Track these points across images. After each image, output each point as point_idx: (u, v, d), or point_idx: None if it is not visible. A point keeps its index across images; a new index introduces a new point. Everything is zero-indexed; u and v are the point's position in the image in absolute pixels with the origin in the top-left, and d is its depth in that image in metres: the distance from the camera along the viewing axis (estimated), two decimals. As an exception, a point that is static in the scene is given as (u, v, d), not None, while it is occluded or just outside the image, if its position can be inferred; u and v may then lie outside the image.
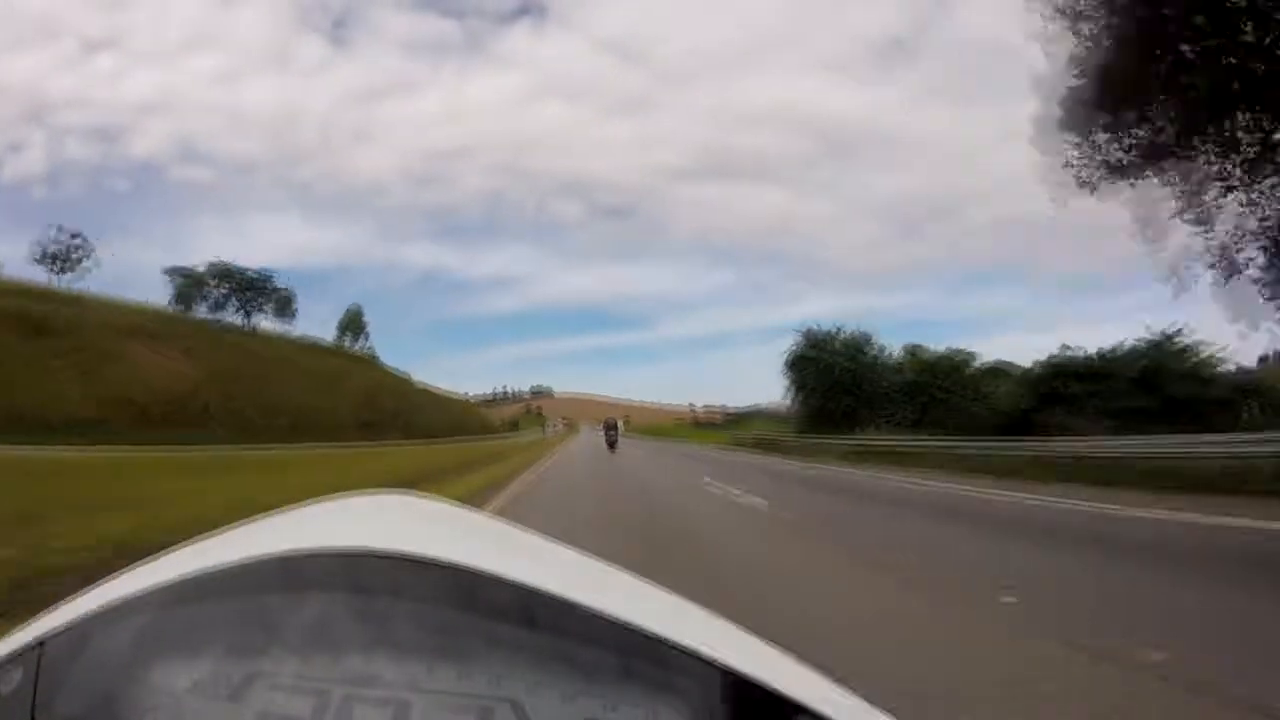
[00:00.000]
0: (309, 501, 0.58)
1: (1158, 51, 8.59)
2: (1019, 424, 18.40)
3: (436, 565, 0.46)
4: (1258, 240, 9.39)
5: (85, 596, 0.51)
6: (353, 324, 70.85)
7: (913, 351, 28.50)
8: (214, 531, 0.56)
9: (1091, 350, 20.24)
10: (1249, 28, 8.04)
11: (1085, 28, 9.40)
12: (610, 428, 33.57)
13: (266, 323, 58.70)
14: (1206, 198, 9.44)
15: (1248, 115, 8.72)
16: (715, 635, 0.46)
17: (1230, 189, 9.24)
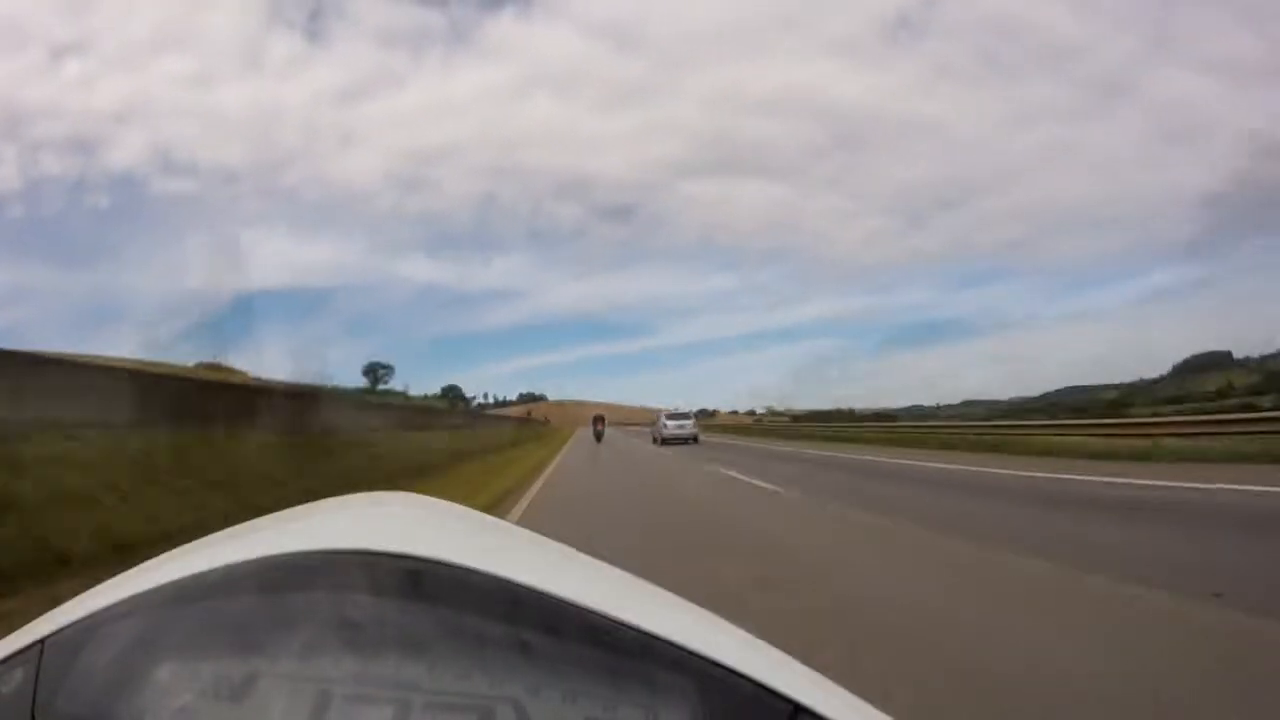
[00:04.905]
0: (310, 502, 0.59)
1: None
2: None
3: (437, 564, 0.46)
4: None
5: (87, 596, 0.51)
6: None
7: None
8: (216, 532, 0.56)
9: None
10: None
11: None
12: (598, 420, 36.83)
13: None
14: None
15: None
16: (717, 635, 0.46)
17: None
